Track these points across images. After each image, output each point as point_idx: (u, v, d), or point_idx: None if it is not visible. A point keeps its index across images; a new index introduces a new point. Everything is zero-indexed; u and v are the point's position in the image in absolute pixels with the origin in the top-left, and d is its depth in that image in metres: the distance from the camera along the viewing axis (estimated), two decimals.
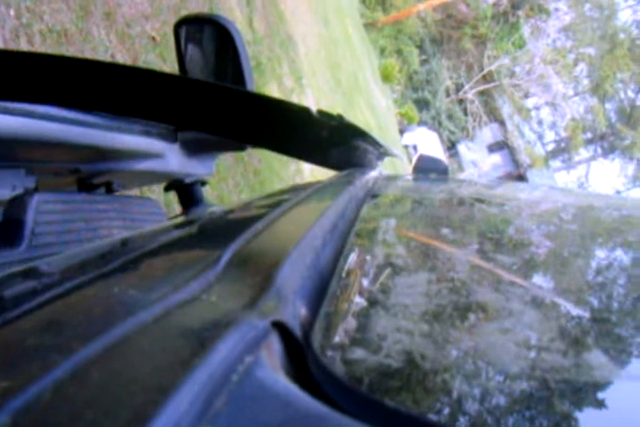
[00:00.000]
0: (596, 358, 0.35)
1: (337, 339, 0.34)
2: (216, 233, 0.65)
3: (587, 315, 0.44)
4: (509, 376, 0.32)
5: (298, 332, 0.32)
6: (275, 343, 0.30)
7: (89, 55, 3.29)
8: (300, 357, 0.30)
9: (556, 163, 34.26)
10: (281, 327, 0.31)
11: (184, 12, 4.52)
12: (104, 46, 3.56)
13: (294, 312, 0.34)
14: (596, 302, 0.49)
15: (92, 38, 3.45)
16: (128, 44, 3.88)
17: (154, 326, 0.29)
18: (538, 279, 0.56)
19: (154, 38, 4.21)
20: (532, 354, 0.35)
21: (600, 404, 0.31)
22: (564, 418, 0.30)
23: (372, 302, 0.42)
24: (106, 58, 3.51)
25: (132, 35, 3.94)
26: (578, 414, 0.30)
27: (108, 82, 1.15)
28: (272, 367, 0.27)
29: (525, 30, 28.91)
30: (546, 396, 0.31)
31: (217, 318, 0.30)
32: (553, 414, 0.30)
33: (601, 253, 0.70)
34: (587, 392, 0.32)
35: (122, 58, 3.72)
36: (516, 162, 29.73)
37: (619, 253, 0.70)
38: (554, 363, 0.34)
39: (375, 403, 0.28)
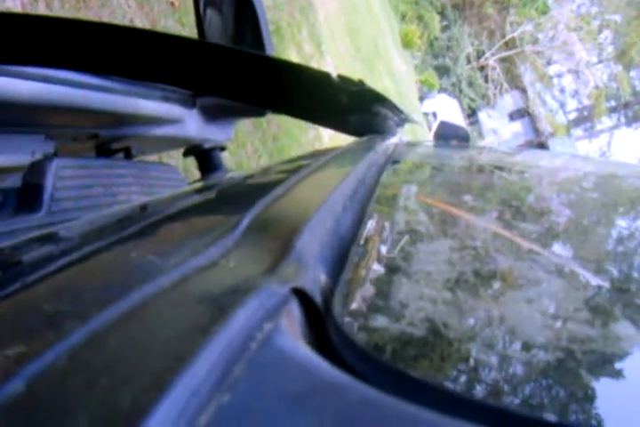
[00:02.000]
0: (623, 328, 0.35)
1: (358, 306, 0.34)
2: (235, 198, 0.65)
3: (611, 285, 0.43)
4: (534, 346, 0.32)
5: (318, 299, 0.31)
6: (294, 310, 0.29)
7: (107, 20, 3.27)
8: (321, 324, 0.30)
9: (577, 131, 33.94)
10: (301, 294, 0.30)
11: None
12: (122, 11, 3.53)
13: (314, 279, 0.34)
14: (620, 272, 0.48)
15: (111, 3, 3.43)
16: (147, 9, 3.85)
17: (172, 291, 0.29)
18: (560, 248, 0.55)
19: (172, 3, 4.18)
20: (558, 324, 0.34)
21: (625, 375, 0.31)
22: (588, 389, 0.30)
23: (393, 269, 0.42)
24: (124, 23, 3.48)
25: (150, 0, 3.91)
26: (603, 385, 0.30)
27: (127, 46, 1.14)
28: (292, 335, 0.27)
29: None
30: (571, 367, 0.30)
31: (236, 284, 0.30)
32: (577, 385, 0.30)
33: (623, 223, 0.69)
34: (613, 363, 0.32)
35: (140, 23, 3.69)
36: (537, 130, 29.49)
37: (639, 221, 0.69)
38: (579, 334, 0.33)
39: (397, 372, 0.27)
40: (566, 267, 0.47)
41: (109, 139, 1.52)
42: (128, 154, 1.55)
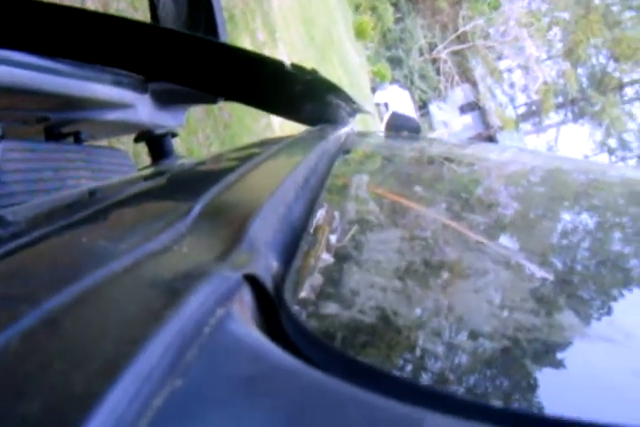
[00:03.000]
0: (566, 318, 0.35)
1: (309, 293, 0.34)
2: (187, 185, 0.65)
3: (555, 276, 0.44)
4: (480, 335, 0.33)
5: (270, 285, 0.32)
6: (246, 296, 0.30)
7: (59, 2, 3.21)
8: (272, 310, 0.30)
9: (526, 126, 34.35)
10: (253, 280, 0.31)
11: None
12: None
13: (266, 265, 0.34)
14: (563, 264, 0.49)
15: None
16: None
17: (124, 276, 0.29)
18: (506, 240, 0.57)
19: None
20: (504, 313, 0.35)
21: (568, 362, 0.32)
22: (532, 375, 0.30)
23: (345, 258, 0.42)
24: (76, 5, 3.42)
25: None
26: (546, 372, 0.31)
27: (78, 28, 1.13)
28: (244, 321, 0.27)
29: None
30: (515, 354, 0.31)
31: (188, 270, 0.30)
32: (521, 372, 0.30)
33: (567, 216, 0.70)
34: (556, 351, 0.33)
35: (92, 5, 3.63)
36: (486, 123, 29.76)
37: (585, 215, 0.70)
38: (525, 322, 0.34)
39: (346, 358, 0.28)
40: (512, 258, 0.48)
41: (59, 122, 1.49)
42: (78, 138, 1.53)
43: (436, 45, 28.19)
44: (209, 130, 4.95)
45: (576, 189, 0.88)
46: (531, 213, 0.70)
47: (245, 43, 6.82)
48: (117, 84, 1.53)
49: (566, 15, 31.35)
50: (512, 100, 33.11)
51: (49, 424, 0.18)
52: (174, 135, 1.76)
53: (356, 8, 22.28)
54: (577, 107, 33.07)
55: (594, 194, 0.84)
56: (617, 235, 0.63)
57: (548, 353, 0.32)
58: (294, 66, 1.19)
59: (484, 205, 0.71)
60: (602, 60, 32.89)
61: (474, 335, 0.32)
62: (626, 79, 32.94)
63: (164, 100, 1.74)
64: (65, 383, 0.20)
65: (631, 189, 0.91)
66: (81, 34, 1.14)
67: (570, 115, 33.94)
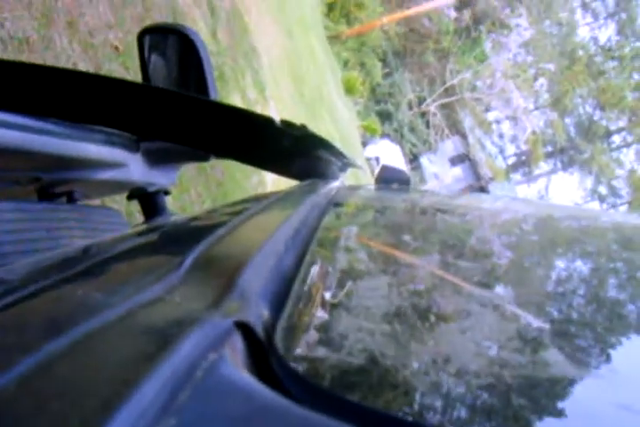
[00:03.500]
0: (552, 355, 0.36)
1: (299, 338, 0.35)
2: (179, 238, 0.66)
3: (542, 319, 0.45)
4: (466, 373, 0.33)
5: (260, 332, 0.32)
6: (238, 342, 0.30)
7: (51, 63, 3.26)
8: (263, 355, 0.31)
9: (516, 176, 34.65)
10: (244, 327, 0.31)
11: (148, 22, 4.50)
12: (66, 55, 3.53)
13: (257, 313, 0.34)
14: (550, 307, 0.50)
15: (55, 46, 3.42)
16: (91, 53, 3.85)
17: (118, 324, 0.29)
18: (495, 287, 0.57)
19: (117, 48, 4.19)
20: (489, 352, 0.36)
21: (556, 399, 0.32)
22: (521, 412, 0.31)
23: (334, 305, 0.43)
24: (68, 67, 3.47)
25: (94, 44, 3.92)
26: (535, 409, 0.31)
27: (70, 89, 1.14)
28: (235, 364, 0.28)
29: (487, 45, 29.29)
30: (503, 391, 0.32)
31: (181, 317, 0.31)
32: (508, 410, 0.31)
33: (558, 261, 0.71)
34: (543, 388, 0.33)
35: (84, 67, 3.69)
36: (477, 175, 30.00)
37: (572, 261, 0.71)
38: (511, 361, 0.34)
39: (335, 397, 0.28)
40: (502, 304, 0.48)
41: (51, 182, 1.50)
42: (71, 198, 1.54)
43: (424, 99, 28.58)
44: (201, 188, 4.98)
45: (564, 234, 0.89)
46: (521, 259, 0.71)
47: (236, 100, 6.90)
48: (109, 143, 1.55)
49: (551, 66, 31.90)
50: (502, 150, 33.47)
51: None
52: (167, 193, 1.77)
53: (345, 64, 22.64)
54: (566, 155, 33.41)
55: (582, 239, 0.85)
56: (607, 279, 0.64)
57: (534, 390, 0.33)
58: (284, 122, 1.20)
59: (473, 253, 0.71)
60: (588, 109, 33.38)
61: (464, 376, 0.33)
62: (612, 127, 33.39)
63: (157, 159, 1.76)
64: (61, 422, 0.21)
65: (621, 233, 0.92)
66: (72, 94, 1.16)
67: (559, 164, 34.26)
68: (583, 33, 33.92)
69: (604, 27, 33.86)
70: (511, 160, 34.40)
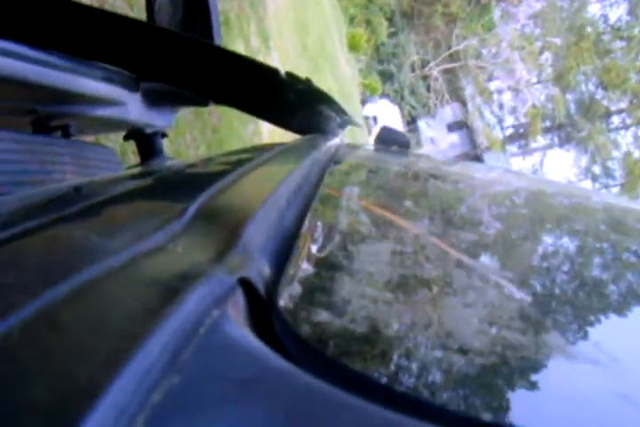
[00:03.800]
0: (553, 338, 0.36)
1: (300, 299, 0.34)
2: (180, 185, 0.65)
3: (544, 296, 0.44)
4: (467, 347, 0.33)
5: (262, 290, 0.32)
6: (240, 299, 0.30)
7: None
8: (264, 314, 0.31)
9: (512, 148, 34.67)
10: (246, 284, 0.31)
11: None
12: None
13: (259, 270, 0.34)
14: (549, 286, 0.50)
15: None
16: None
17: (121, 273, 0.29)
18: (493, 258, 0.57)
19: None
20: (491, 330, 0.36)
21: (551, 378, 0.32)
22: (519, 390, 0.31)
23: (334, 267, 0.42)
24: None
25: None
26: (530, 388, 0.31)
27: (72, 21, 1.12)
28: (238, 323, 0.27)
29: (496, 13, 29.00)
30: (502, 369, 0.32)
31: (184, 270, 0.30)
32: (508, 385, 0.31)
33: (553, 238, 0.71)
34: (540, 368, 0.33)
35: (88, 1, 3.63)
36: (473, 143, 29.99)
37: (570, 239, 0.71)
38: (513, 339, 0.34)
39: (335, 363, 0.28)
40: (500, 277, 0.48)
41: (48, 115, 1.48)
42: (66, 132, 1.52)
43: (428, 62, 28.40)
44: (197, 133, 4.95)
45: (558, 211, 0.89)
46: (516, 233, 0.71)
47: (239, 48, 6.83)
48: (109, 80, 1.52)
49: (558, 41, 31.70)
50: (500, 121, 33.43)
51: (54, 414, 0.19)
52: (164, 135, 1.76)
53: (351, 20, 22.40)
54: (564, 132, 33.42)
55: (581, 219, 0.84)
56: (602, 258, 0.64)
57: (533, 369, 0.33)
58: (289, 74, 1.19)
59: (471, 222, 0.71)
60: (591, 87, 33.28)
61: (460, 347, 0.33)
62: (613, 108, 33.34)
63: (155, 100, 1.74)
64: (68, 376, 0.20)
65: (618, 215, 0.92)
66: (74, 27, 1.14)
67: (556, 139, 34.30)
68: (594, 10, 33.66)
69: (616, 5, 33.58)
70: (509, 131, 34.41)
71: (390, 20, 25.87)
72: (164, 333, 0.24)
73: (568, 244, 0.69)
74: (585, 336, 0.39)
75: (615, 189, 32.98)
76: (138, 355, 0.22)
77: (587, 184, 32.82)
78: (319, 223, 0.51)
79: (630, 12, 32.84)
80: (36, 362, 0.21)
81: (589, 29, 32.41)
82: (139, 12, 3.95)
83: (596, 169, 33.74)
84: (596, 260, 0.64)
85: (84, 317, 0.24)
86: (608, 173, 33.69)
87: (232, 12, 6.94)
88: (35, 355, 0.21)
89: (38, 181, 1.23)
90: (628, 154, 32.93)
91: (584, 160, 33.80)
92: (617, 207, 1.03)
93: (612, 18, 33.40)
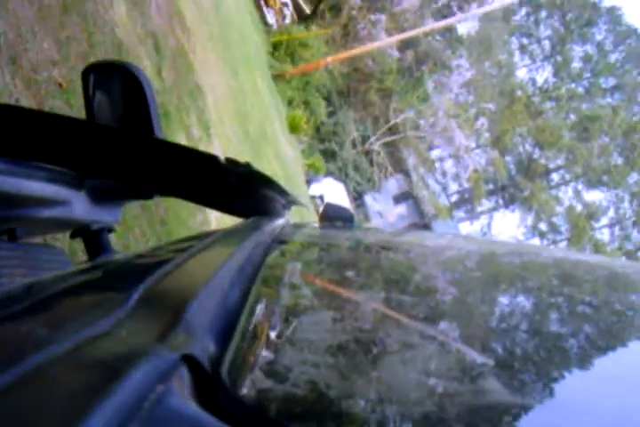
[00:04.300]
0: (491, 384, 0.37)
1: (244, 370, 0.36)
2: (124, 275, 0.66)
3: (480, 351, 0.46)
4: (409, 402, 0.34)
5: (207, 364, 0.33)
6: (185, 374, 0.31)
7: None
8: (210, 387, 0.32)
9: (459, 213, 35.14)
10: (190, 360, 0.32)
11: (92, 59, 4.49)
12: (8, 91, 3.50)
13: (203, 346, 0.35)
14: (490, 340, 0.52)
15: None
16: (34, 90, 3.82)
17: (64, 358, 0.30)
18: (437, 321, 0.58)
19: (61, 85, 4.16)
20: (430, 382, 0.37)
21: (494, 425, 0.33)
22: None
23: (278, 339, 0.44)
24: (10, 103, 3.44)
25: (38, 80, 3.89)
26: None
27: (12, 125, 1.14)
28: (183, 396, 0.28)
29: (429, 85, 29.77)
30: (442, 419, 0.33)
31: (128, 351, 0.31)
32: None
33: (495, 296, 0.73)
34: (481, 416, 0.34)
35: (27, 103, 3.66)
36: (421, 212, 30.28)
37: (513, 296, 0.73)
38: (450, 389, 0.35)
39: (279, 426, 0.29)
40: (440, 335, 0.50)
41: None
42: (12, 236, 1.52)
43: (368, 137, 28.88)
44: (145, 226, 4.94)
45: (505, 269, 0.91)
46: (462, 294, 0.72)
47: (181, 139, 6.89)
48: (53, 180, 1.53)
49: (492, 106, 32.59)
50: (444, 188, 33.95)
51: None
52: (111, 231, 1.76)
53: (289, 102, 22.78)
54: (507, 193, 34.01)
55: (522, 274, 0.87)
56: (547, 312, 0.65)
57: (473, 418, 0.34)
58: (228, 160, 1.21)
59: (415, 288, 0.73)
60: (528, 147, 34.16)
61: (402, 404, 0.34)
62: (551, 165, 34.16)
63: (100, 196, 1.74)
64: None
65: (563, 268, 0.95)
66: (14, 130, 1.15)
67: (501, 201, 34.88)
68: (522, 74, 34.87)
69: (542, 68, 34.85)
70: (454, 198, 34.92)
71: (328, 100, 26.36)
72: (107, 408, 0.24)
73: (522, 300, 0.71)
74: (547, 393, 0.41)
75: (563, 244, 33.44)
76: None
77: (535, 241, 33.24)
78: (261, 300, 0.52)
79: (555, 74, 34.07)
80: None
81: (519, 93, 33.47)
82: (78, 111, 3.99)
83: (543, 226, 34.30)
84: (552, 314, 0.65)
85: (24, 402, 0.25)
86: (554, 228, 34.25)
87: (171, 105, 7.03)
88: None
89: None
90: (570, 208, 33.59)
91: (530, 219, 34.36)
92: (566, 260, 1.05)
93: (540, 80, 34.61)
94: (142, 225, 4.87)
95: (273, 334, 0.44)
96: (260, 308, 0.49)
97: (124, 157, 1.26)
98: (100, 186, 1.69)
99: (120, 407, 0.25)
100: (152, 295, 0.43)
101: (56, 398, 0.25)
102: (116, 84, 1.79)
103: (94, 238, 1.70)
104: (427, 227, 28.90)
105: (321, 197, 20.33)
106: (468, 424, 0.33)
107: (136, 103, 1.65)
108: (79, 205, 1.66)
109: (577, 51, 34.84)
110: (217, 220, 6.96)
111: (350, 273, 0.77)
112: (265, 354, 0.39)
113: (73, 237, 1.74)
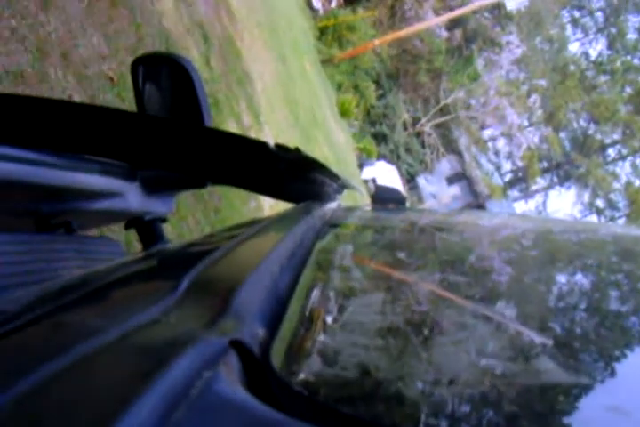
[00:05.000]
0: (548, 364, 0.37)
1: (294, 355, 0.35)
2: (175, 263, 0.66)
3: (536, 331, 0.45)
4: (462, 384, 0.34)
5: (256, 350, 0.33)
6: (233, 360, 0.31)
7: (46, 95, 3.28)
8: (259, 372, 0.31)
9: (514, 192, 34.77)
10: (239, 346, 0.32)
11: (141, 52, 4.53)
12: (61, 87, 3.55)
13: (252, 332, 0.35)
14: (546, 320, 0.51)
15: (49, 79, 3.45)
16: (85, 85, 3.87)
17: (114, 345, 0.30)
18: (493, 302, 0.58)
19: (111, 78, 4.22)
20: (482, 362, 0.36)
21: (548, 405, 0.33)
22: (514, 422, 0.31)
23: (329, 323, 0.43)
24: (63, 98, 3.49)
25: (89, 75, 3.94)
26: (528, 418, 0.31)
27: (66, 120, 1.15)
28: (231, 382, 0.28)
29: (479, 63, 29.44)
30: (495, 401, 0.32)
31: (176, 338, 0.31)
32: (503, 417, 0.31)
33: (561, 276, 0.72)
34: (536, 396, 0.33)
35: (79, 98, 3.71)
36: (474, 193, 30.02)
37: (571, 274, 0.72)
38: (502, 369, 0.35)
39: (329, 409, 0.29)
40: (496, 318, 0.49)
41: (49, 214, 1.50)
42: (69, 228, 1.54)
43: (419, 119, 28.69)
44: (199, 215, 4.99)
45: (562, 248, 0.90)
46: (519, 274, 0.71)
47: (231, 127, 6.93)
48: (106, 173, 1.55)
49: (544, 82, 32.08)
50: (498, 168, 33.58)
51: None
52: (164, 220, 1.78)
53: (339, 87, 22.74)
54: (562, 170, 33.52)
55: (580, 252, 0.85)
56: (606, 290, 0.64)
57: (527, 398, 0.33)
58: (278, 146, 1.21)
59: (469, 269, 0.72)
60: (582, 123, 33.55)
61: (454, 386, 0.33)
62: (607, 140, 33.53)
63: (154, 187, 1.76)
64: None
65: (622, 245, 0.93)
66: (68, 125, 1.17)
67: (556, 179, 34.37)
68: (574, 48, 34.22)
69: (595, 42, 34.15)
70: (508, 177, 34.54)
71: (377, 83, 26.24)
72: (153, 396, 0.24)
73: (581, 278, 0.69)
74: (586, 362, 0.40)
75: (621, 220, 32.87)
76: (126, 418, 0.22)
77: (593, 218, 32.73)
78: (312, 284, 0.52)
79: (610, 47, 33.35)
80: None
81: (572, 68, 32.86)
82: (130, 104, 4.04)
83: (600, 203, 33.74)
84: (612, 292, 0.64)
85: (75, 387, 0.25)
86: (612, 205, 33.66)
87: (221, 93, 7.07)
88: (26, 424, 0.22)
89: (46, 280, 1.25)
90: (628, 184, 32.95)
91: (586, 196, 33.82)
92: (626, 236, 1.03)
93: (593, 54, 33.93)
94: (196, 214, 4.92)
95: (324, 319, 0.44)
96: (310, 292, 0.49)
97: (175, 147, 1.27)
98: (152, 177, 1.71)
99: (166, 395, 0.25)
100: (201, 282, 0.44)
101: (102, 386, 0.26)
102: (165, 76, 1.80)
103: (148, 229, 1.73)
104: (481, 207, 28.63)
105: (373, 181, 20.27)
106: (523, 405, 0.32)
107: (185, 93, 1.66)
108: (132, 197, 1.68)
109: (632, 21, 34.02)
110: (270, 206, 6.99)
111: (402, 254, 0.76)
112: (315, 339, 0.39)
113: (127, 227, 1.76)
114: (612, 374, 0.38)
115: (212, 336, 0.31)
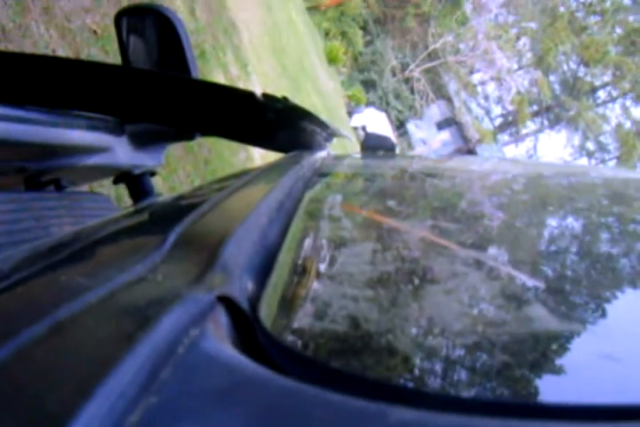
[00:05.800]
0: (536, 310, 0.36)
1: (284, 309, 0.35)
2: (162, 218, 0.66)
3: (530, 277, 0.45)
4: (453, 334, 0.33)
5: (245, 305, 0.33)
6: (222, 316, 0.31)
7: (29, 51, 3.23)
8: (248, 328, 0.31)
9: (504, 137, 34.66)
10: (227, 301, 0.31)
11: (125, 4, 4.45)
12: (44, 41, 3.50)
13: (241, 286, 0.35)
14: (538, 265, 0.51)
15: (32, 34, 3.39)
16: (69, 39, 3.81)
17: (99, 305, 0.30)
18: (486, 248, 0.57)
19: (95, 32, 4.15)
20: (474, 311, 0.36)
21: (542, 353, 0.33)
22: (506, 370, 0.31)
23: (319, 275, 0.43)
24: (47, 53, 3.44)
25: (72, 29, 3.87)
26: (520, 366, 0.31)
27: (50, 76, 1.14)
28: (218, 339, 0.28)
29: (467, 7, 29.05)
30: (488, 349, 0.32)
31: (162, 295, 0.31)
32: (496, 365, 0.31)
33: (551, 220, 0.71)
34: (527, 343, 0.33)
35: (63, 53, 3.65)
36: (465, 138, 29.94)
37: (562, 218, 0.72)
38: (495, 319, 0.35)
39: (318, 364, 0.29)
40: (488, 264, 0.49)
41: (38, 171, 1.50)
42: (58, 186, 1.54)
43: (408, 65, 28.42)
44: (189, 167, 4.97)
45: (552, 191, 0.89)
46: (511, 219, 0.71)
47: (219, 77, 6.86)
48: (93, 128, 1.54)
49: (533, 25, 31.74)
50: (488, 112, 33.42)
51: None
52: (153, 174, 1.77)
53: (326, 34, 22.48)
54: (552, 114, 33.38)
55: (575, 197, 0.85)
56: (602, 236, 0.64)
57: (521, 346, 0.33)
58: (265, 95, 1.20)
59: (460, 215, 0.72)
60: (572, 65, 33.30)
61: (445, 335, 0.33)
62: (597, 83, 33.33)
63: (142, 141, 1.75)
64: (38, 405, 0.21)
65: (613, 187, 0.93)
66: (53, 80, 1.15)
67: (546, 122, 34.26)
68: None
69: None
70: (498, 121, 34.40)
71: (364, 29, 25.93)
72: (138, 355, 0.24)
73: (572, 222, 0.69)
74: (599, 315, 0.40)
75: (612, 163, 32.90)
76: (109, 379, 0.22)
77: (583, 161, 32.75)
78: (301, 236, 0.52)
79: None
80: (9, 396, 0.22)
81: (562, 9, 32.46)
82: (115, 57, 3.99)
83: (590, 145, 33.70)
84: (604, 235, 0.64)
85: (57, 350, 0.25)
86: (602, 147, 33.63)
87: (207, 44, 6.98)
88: (7, 389, 0.22)
89: (37, 238, 1.24)
90: (618, 126, 32.85)
91: (577, 138, 33.75)
92: (616, 179, 1.03)
93: None
94: (186, 166, 4.90)
95: (314, 271, 0.44)
96: (299, 243, 0.49)
97: (162, 99, 1.25)
98: (140, 130, 1.70)
99: (151, 354, 0.25)
100: (188, 237, 0.43)
101: (85, 348, 0.25)
102: (150, 27, 1.77)
103: (137, 183, 1.72)
104: (471, 152, 28.59)
105: (363, 128, 20.17)
106: (516, 354, 0.32)
107: (171, 45, 1.64)
108: (121, 151, 1.67)
109: None
110: (261, 156, 6.97)
111: (392, 202, 0.76)
112: (306, 291, 0.39)
113: (115, 183, 1.76)
114: (606, 320, 0.38)
115: (199, 292, 0.31)
